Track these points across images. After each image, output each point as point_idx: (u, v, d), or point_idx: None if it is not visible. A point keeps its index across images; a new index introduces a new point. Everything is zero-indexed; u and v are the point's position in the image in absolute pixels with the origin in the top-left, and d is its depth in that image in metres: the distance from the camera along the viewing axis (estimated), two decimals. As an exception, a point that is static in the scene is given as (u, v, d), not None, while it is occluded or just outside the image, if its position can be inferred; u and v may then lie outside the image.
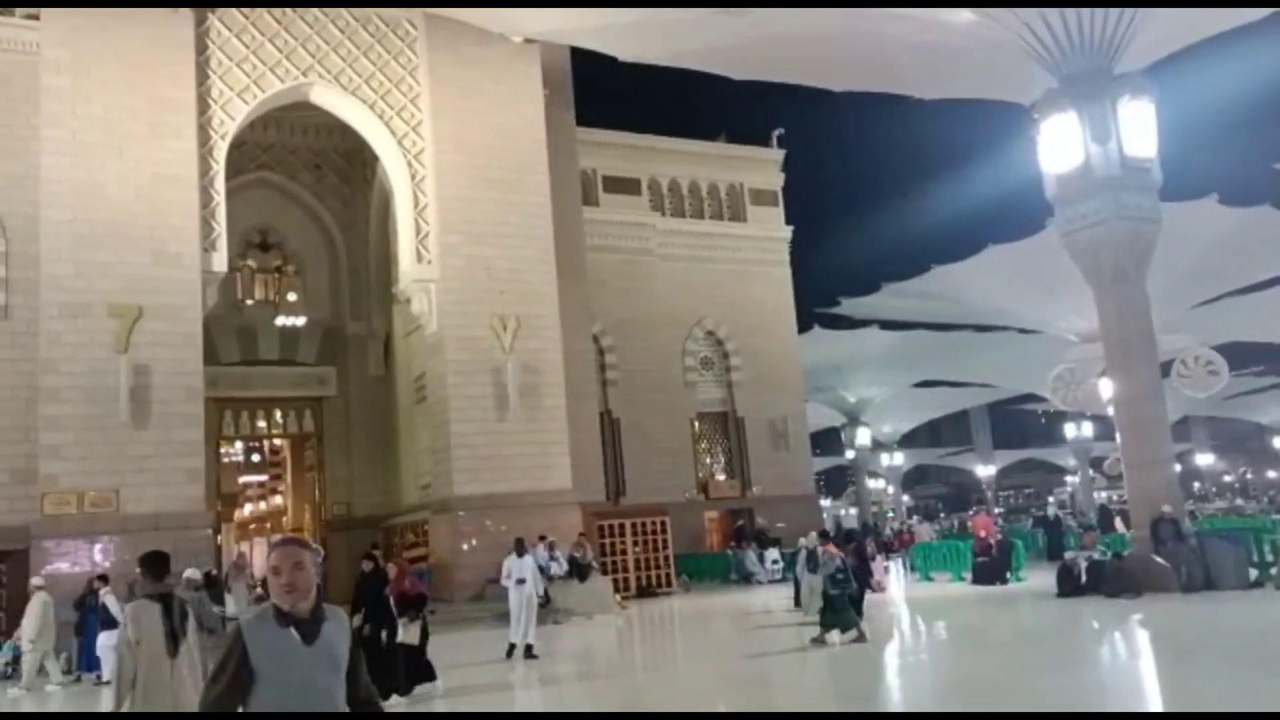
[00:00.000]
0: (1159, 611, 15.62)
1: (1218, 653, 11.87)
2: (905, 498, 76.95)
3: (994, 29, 19.01)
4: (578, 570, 21.54)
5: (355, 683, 3.50)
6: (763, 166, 37.62)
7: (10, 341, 20.49)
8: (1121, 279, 18.63)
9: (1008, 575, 21.88)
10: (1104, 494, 60.40)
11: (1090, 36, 18.58)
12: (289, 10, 22.75)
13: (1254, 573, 17.73)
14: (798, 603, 18.58)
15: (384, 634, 11.65)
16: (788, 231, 37.73)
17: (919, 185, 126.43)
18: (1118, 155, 18.37)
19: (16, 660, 16.12)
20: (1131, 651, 13.49)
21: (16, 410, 20.10)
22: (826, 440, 59.54)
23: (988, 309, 37.14)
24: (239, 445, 35.86)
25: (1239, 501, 59.11)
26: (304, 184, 29.26)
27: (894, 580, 25.35)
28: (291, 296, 28.75)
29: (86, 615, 16.48)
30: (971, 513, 48.72)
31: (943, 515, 68.81)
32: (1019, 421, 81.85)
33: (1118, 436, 19.92)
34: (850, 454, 53.07)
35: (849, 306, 40.37)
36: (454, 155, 23.77)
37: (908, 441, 67.59)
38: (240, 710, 3.33)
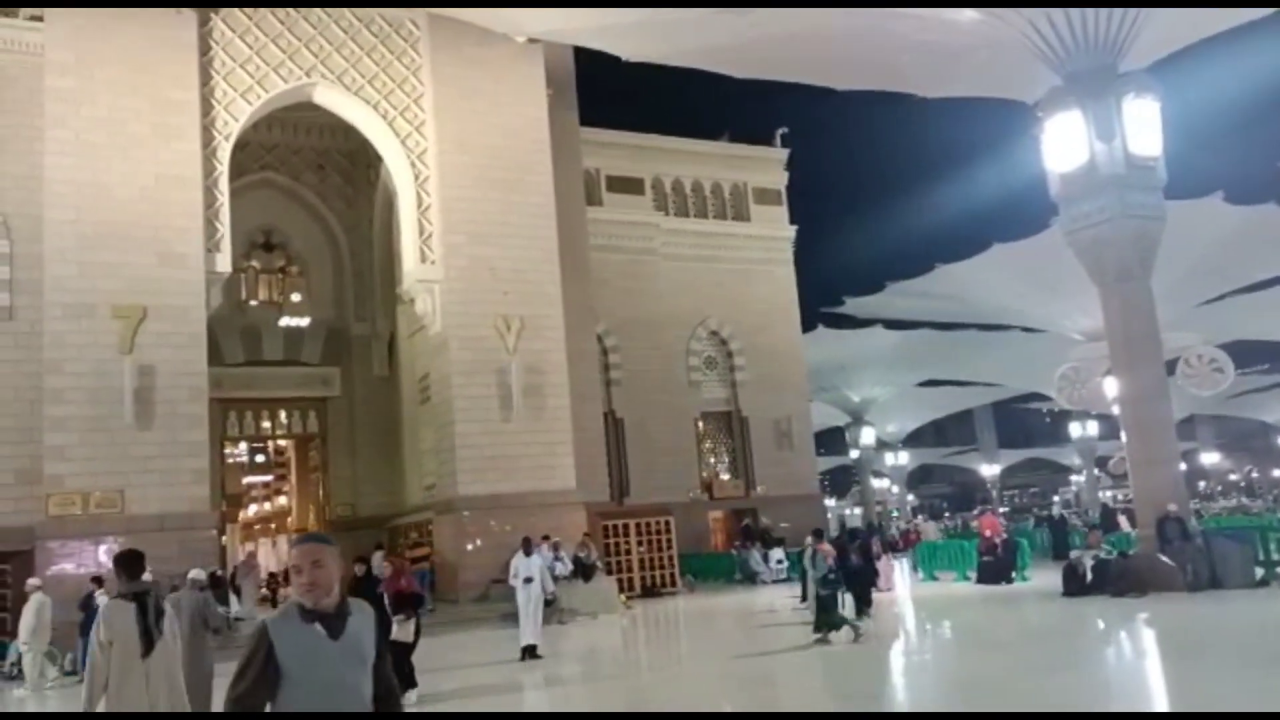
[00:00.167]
0: (1165, 611, 15.58)
1: (1224, 652, 11.84)
2: (910, 497, 76.89)
3: (998, 27, 18.97)
4: (582, 570, 21.57)
5: (378, 677, 3.49)
6: (766, 166, 37.55)
7: (15, 342, 20.52)
8: (1126, 277, 18.59)
9: (1013, 574, 21.85)
10: (1109, 493, 60.41)
11: (1094, 35, 18.54)
12: (292, 11, 22.77)
13: (1260, 571, 17.73)
14: (804, 598, 18.60)
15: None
16: (791, 231, 37.67)
17: (923, 184, 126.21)
18: (1122, 154, 18.33)
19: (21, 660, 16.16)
20: (1137, 651, 13.45)
21: (21, 411, 20.14)
22: (831, 440, 59.46)
23: (992, 308, 37.03)
24: (243, 446, 36.06)
25: (1244, 500, 59.02)
26: (308, 185, 29.34)
27: (899, 579, 25.28)
28: (296, 297, 28.76)
29: (91, 615, 16.49)
30: (977, 512, 48.59)
31: (948, 515, 68.72)
32: (1024, 421, 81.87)
33: (1123, 435, 19.86)
34: (855, 453, 52.96)
35: (853, 306, 40.30)
36: (457, 155, 23.77)
37: (912, 441, 67.58)
38: (269, 708, 3.32)
